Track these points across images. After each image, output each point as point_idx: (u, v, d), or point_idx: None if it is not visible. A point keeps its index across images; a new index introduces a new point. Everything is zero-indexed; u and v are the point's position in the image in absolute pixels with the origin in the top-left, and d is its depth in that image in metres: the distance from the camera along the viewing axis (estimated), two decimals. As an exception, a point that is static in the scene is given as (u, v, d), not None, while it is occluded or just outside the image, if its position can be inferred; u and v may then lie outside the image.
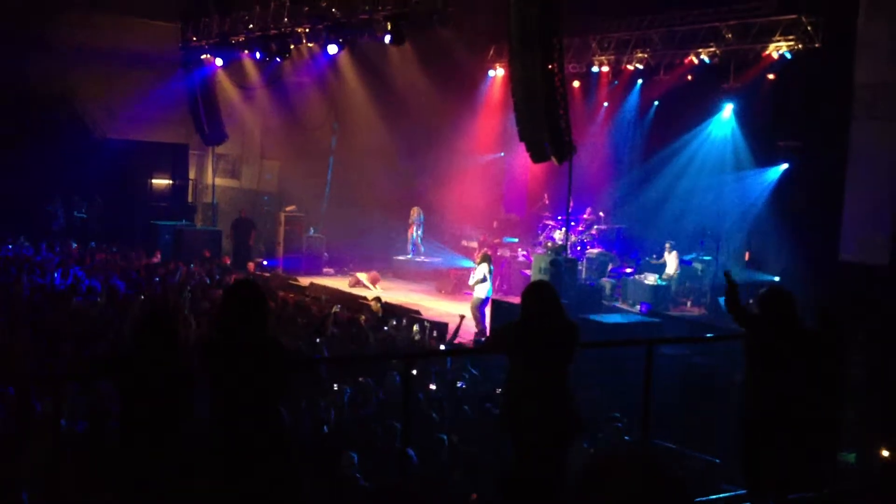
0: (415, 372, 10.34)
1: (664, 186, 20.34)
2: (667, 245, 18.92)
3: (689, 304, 17.97)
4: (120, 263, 19.85)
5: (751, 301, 7.02)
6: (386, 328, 14.10)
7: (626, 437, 8.77)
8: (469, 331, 14.28)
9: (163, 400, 5.23)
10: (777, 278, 16.15)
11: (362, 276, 21.60)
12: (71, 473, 6.32)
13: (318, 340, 11.89)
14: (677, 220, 19.65)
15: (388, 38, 18.51)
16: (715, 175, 19.50)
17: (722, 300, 16.32)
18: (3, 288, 15.31)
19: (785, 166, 18.17)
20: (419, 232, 23.49)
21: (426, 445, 7.94)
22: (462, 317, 13.63)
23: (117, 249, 22.23)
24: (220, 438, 5.11)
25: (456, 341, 13.60)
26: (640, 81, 21.10)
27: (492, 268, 17.20)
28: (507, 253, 21.22)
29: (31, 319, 12.80)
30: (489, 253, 17.98)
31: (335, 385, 9.64)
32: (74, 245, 22.02)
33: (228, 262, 22.52)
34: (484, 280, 16.63)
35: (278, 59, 22.72)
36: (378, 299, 16.28)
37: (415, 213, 23.49)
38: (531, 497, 6.17)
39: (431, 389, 10.20)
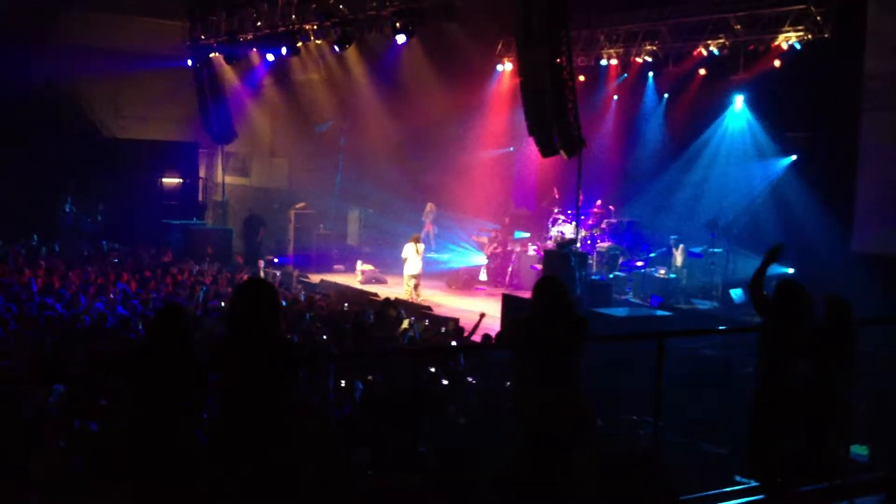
0: (433, 369, 10.34)
1: (674, 179, 20.28)
2: (671, 239, 18.85)
3: (699, 296, 17.92)
4: (131, 263, 19.91)
5: (764, 293, 6.98)
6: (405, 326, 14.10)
7: (640, 432, 8.75)
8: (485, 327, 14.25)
9: (175, 397, 5.24)
10: (791, 270, 16.10)
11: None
12: (83, 472, 6.34)
13: (324, 337, 11.89)
14: (688, 213, 19.59)
15: (396, 34, 18.51)
16: (726, 167, 19.45)
17: (733, 292, 16.41)
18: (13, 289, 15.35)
19: (793, 157, 18.11)
20: (433, 228, 23.50)
21: (438, 439, 7.93)
22: (482, 314, 13.61)
23: (129, 249, 22.29)
24: (231, 435, 5.11)
25: (473, 337, 13.57)
26: (651, 74, 21.04)
27: (419, 247, 19.10)
28: (518, 248, 21.21)
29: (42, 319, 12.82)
30: (418, 235, 19.79)
31: (342, 382, 9.63)
32: (85, 244, 22.09)
33: (241, 260, 22.57)
34: (408, 260, 18.86)
35: (286, 56, 22.74)
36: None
37: (429, 208, 23.50)
38: (540, 490, 6.16)
39: (444, 384, 10.19)
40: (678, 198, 20.14)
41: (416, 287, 18.94)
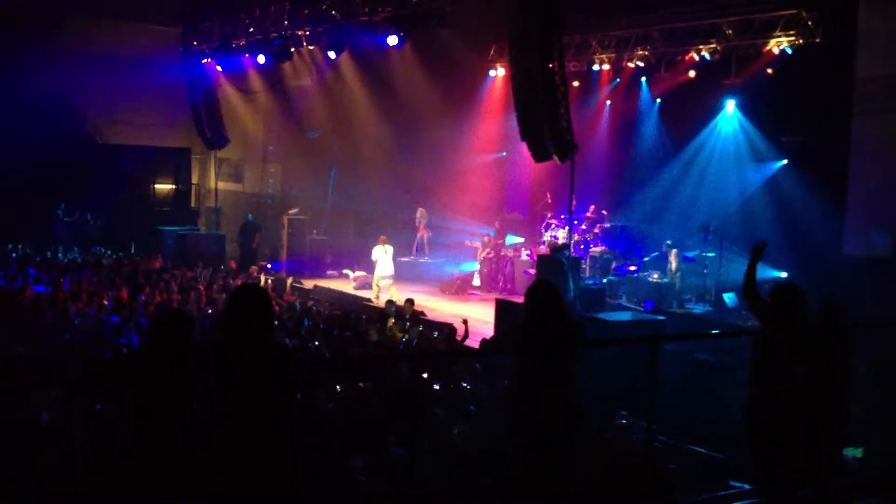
0: (425, 375, 10.33)
1: (667, 184, 20.32)
2: (665, 244, 18.87)
3: (693, 300, 17.96)
4: (125, 268, 19.88)
5: (759, 296, 6.99)
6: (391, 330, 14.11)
7: (634, 436, 8.77)
8: (477, 330, 14.28)
9: (174, 402, 5.23)
10: (785, 274, 16.14)
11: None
12: (79, 478, 6.33)
13: (316, 343, 11.90)
14: (681, 218, 19.64)
15: (388, 40, 18.53)
16: (718, 171, 19.49)
17: (726, 296, 16.44)
18: (9, 295, 15.34)
19: (785, 162, 18.17)
20: (426, 233, 23.50)
21: (433, 445, 7.94)
22: (465, 320, 13.69)
23: (122, 255, 22.26)
24: (225, 442, 5.11)
25: (467, 342, 13.62)
26: (643, 79, 21.10)
27: (387, 248, 19.83)
28: (511, 253, 21.22)
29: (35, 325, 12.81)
30: (384, 238, 20.17)
31: (338, 387, 9.64)
32: (77, 251, 22.05)
33: (235, 266, 22.54)
34: (378, 261, 19.70)
35: (279, 62, 22.73)
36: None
37: (420, 214, 23.51)
38: (536, 495, 6.17)
39: (436, 389, 10.20)
40: (671, 202, 20.18)
41: (389, 287, 19.50)
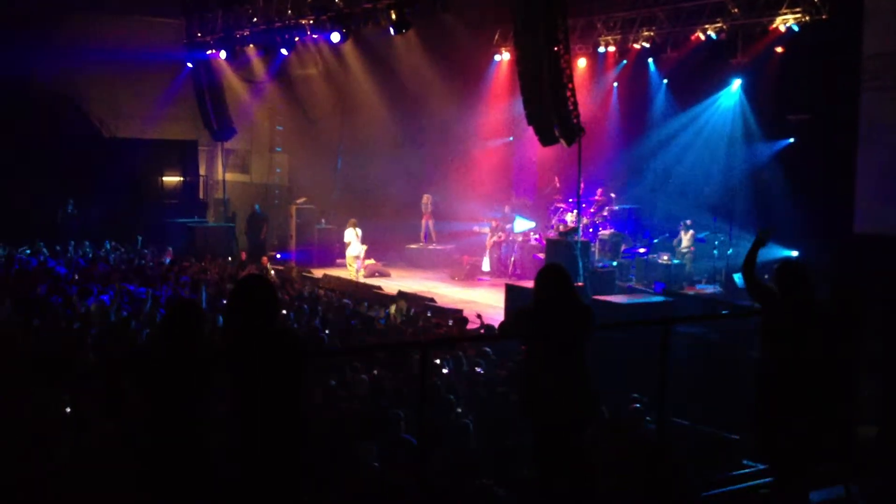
0: (438, 361, 10.33)
1: (676, 165, 20.26)
2: (682, 224, 18.80)
3: (703, 281, 17.91)
4: (134, 262, 19.90)
5: (766, 277, 6.96)
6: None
7: (647, 418, 8.74)
8: (486, 316, 14.26)
9: (189, 395, 5.22)
10: (795, 253, 16.08)
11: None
12: (95, 471, 6.35)
13: (326, 332, 11.91)
14: (689, 198, 19.57)
15: (392, 26, 18.47)
16: (725, 151, 19.42)
17: (736, 276, 16.37)
18: (18, 291, 15.35)
19: (791, 140, 18.07)
20: (432, 220, 23.50)
21: (446, 431, 7.93)
22: (479, 315, 13.71)
23: (131, 248, 22.29)
24: (238, 433, 5.11)
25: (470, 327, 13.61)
26: (650, 60, 21.01)
27: (358, 231, 21.20)
28: (520, 237, 21.19)
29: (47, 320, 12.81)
30: (354, 221, 21.51)
31: (348, 375, 9.63)
32: (88, 245, 22.07)
33: (245, 257, 22.56)
34: (351, 243, 21.17)
35: (283, 52, 22.72)
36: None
37: (426, 200, 23.49)
38: (550, 482, 6.17)
39: (445, 373, 10.20)
40: (677, 183, 20.14)
41: (358, 269, 20.89)
